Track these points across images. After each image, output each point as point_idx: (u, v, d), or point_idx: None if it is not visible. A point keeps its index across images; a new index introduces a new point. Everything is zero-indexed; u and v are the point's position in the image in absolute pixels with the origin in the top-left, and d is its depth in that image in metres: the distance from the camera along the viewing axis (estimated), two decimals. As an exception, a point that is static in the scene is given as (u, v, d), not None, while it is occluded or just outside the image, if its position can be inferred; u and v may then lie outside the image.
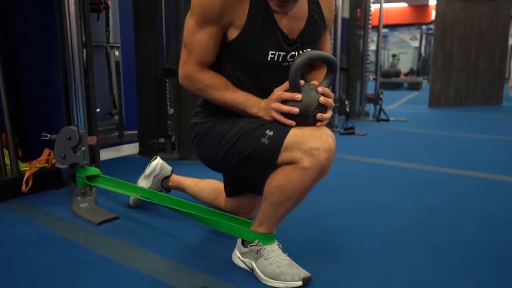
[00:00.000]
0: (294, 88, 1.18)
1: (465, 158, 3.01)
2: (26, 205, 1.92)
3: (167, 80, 2.79)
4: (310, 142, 1.14)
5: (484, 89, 6.82)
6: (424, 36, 15.42)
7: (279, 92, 1.20)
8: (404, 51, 15.78)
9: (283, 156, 1.17)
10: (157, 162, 1.89)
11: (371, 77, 7.30)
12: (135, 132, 3.02)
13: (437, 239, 1.57)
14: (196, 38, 1.22)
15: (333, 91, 4.35)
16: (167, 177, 1.88)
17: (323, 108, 1.19)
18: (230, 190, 1.63)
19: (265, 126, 1.21)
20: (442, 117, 5.67)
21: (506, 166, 2.76)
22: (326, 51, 1.41)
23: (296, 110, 1.17)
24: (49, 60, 2.36)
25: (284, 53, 1.24)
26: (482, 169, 2.65)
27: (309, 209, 1.89)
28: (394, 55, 14.02)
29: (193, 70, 1.26)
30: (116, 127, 3.00)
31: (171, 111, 2.81)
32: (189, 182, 1.83)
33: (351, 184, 2.33)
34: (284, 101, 1.19)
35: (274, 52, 1.23)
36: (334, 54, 4.36)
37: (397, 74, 12.51)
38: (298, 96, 1.17)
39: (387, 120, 5.01)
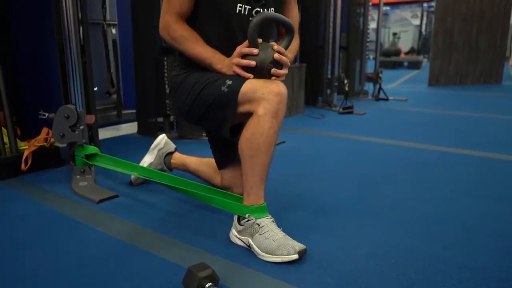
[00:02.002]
0: (252, 44, 1.32)
1: (463, 137, 3.01)
2: (26, 183, 1.93)
3: (165, 58, 2.77)
4: (262, 89, 1.28)
5: (485, 68, 6.78)
6: (425, 14, 15.22)
7: (240, 48, 1.34)
8: (405, 29, 15.59)
9: (242, 107, 1.31)
10: (163, 136, 1.95)
11: (371, 56, 7.25)
12: (134, 111, 3.02)
13: (432, 215, 1.59)
14: None
15: (332, 69, 4.35)
16: (171, 153, 1.91)
17: (278, 64, 1.33)
18: (219, 161, 1.70)
19: (225, 77, 1.36)
20: (442, 96, 5.66)
21: (503, 145, 2.77)
22: (292, 16, 1.54)
23: (253, 63, 1.31)
24: (45, 37, 2.34)
25: (250, 7, 1.39)
26: (480, 147, 2.66)
27: (305, 187, 1.91)
28: (394, 34, 13.85)
29: (171, 20, 1.42)
30: (114, 106, 3.00)
31: (169, 90, 2.80)
32: (192, 159, 1.88)
33: (347, 162, 2.34)
34: (244, 57, 1.33)
35: (241, 5, 1.38)
36: (334, 32, 4.32)
37: (397, 53, 12.40)
38: (255, 50, 1.31)
39: (386, 99, 5.00)
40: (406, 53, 14.09)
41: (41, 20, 2.32)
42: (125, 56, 3.02)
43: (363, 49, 5.13)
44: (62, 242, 1.38)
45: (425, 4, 15.37)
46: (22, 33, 2.34)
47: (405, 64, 11.88)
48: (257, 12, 1.40)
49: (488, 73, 6.80)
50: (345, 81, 4.22)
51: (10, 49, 2.31)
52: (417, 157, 2.46)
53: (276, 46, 1.33)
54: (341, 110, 4.09)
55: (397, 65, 11.65)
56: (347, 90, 4.22)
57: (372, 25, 5.75)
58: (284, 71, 1.35)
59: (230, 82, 1.33)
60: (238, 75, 1.34)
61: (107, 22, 2.83)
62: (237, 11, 1.38)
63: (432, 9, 13.94)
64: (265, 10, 1.41)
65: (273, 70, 1.32)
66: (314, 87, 4.35)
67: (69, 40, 1.93)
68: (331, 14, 4.24)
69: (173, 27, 1.42)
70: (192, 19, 1.44)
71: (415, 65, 11.39)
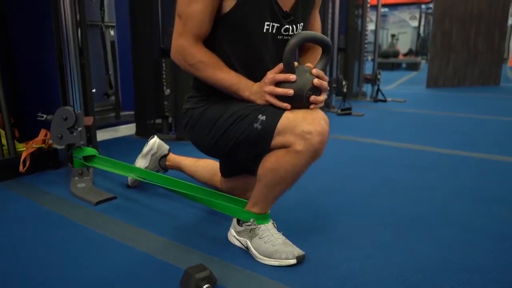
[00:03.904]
0: (288, 69, 1.15)
1: (461, 138, 3.02)
2: (24, 184, 1.93)
3: (163, 60, 2.77)
4: (303, 126, 1.12)
5: (483, 69, 6.79)
6: (423, 15, 15.26)
7: (273, 74, 1.18)
8: (403, 31, 15.62)
9: (276, 140, 1.16)
10: (155, 140, 1.90)
11: (369, 58, 7.26)
12: (132, 112, 3.02)
13: (431, 216, 1.59)
14: (192, 8, 1.18)
15: (330, 71, 4.35)
16: (165, 156, 1.89)
17: (317, 90, 1.17)
18: (225, 172, 1.63)
19: (257, 110, 1.19)
20: (440, 97, 5.67)
21: (502, 146, 2.77)
22: (317, 29, 1.42)
23: (290, 92, 1.14)
24: (44, 39, 2.34)
25: (279, 25, 1.23)
26: (478, 149, 2.66)
27: (304, 189, 1.91)
28: (393, 35, 13.89)
29: (187, 44, 1.22)
30: (112, 107, 2.99)
31: (167, 91, 2.80)
32: (187, 161, 1.85)
33: (346, 164, 2.34)
34: (277, 84, 1.17)
35: (269, 23, 1.21)
36: (332, 34, 4.32)
37: (396, 54, 12.43)
38: (293, 77, 1.15)
39: (385, 101, 5.01)
40: (405, 55, 14.13)
41: (40, 22, 2.32)
42: (123, 58, 3.02)
43: (361, 51, 5.14)
44: (60, 244, 1.37)
45: (423, 6, 15.41)
46: (21, 35, 2.34)
47: (404, 65, 11.90)
48: (286, 29, 1.25)
49: (487, 74, 6.82)
50: (343, 83, 4.22)
51: (8, 51, 2.31)
52: (416, 158, 2.46)
53: (314, 70, 1.17)
54: (339, 111, 4.10)
55: (396, 66, 11.67)
56: (345, 91, 4.23)
57: (371, 26, 5.76)
58: (323, 97, 1.20)
59: (263, 118, 1.17)
60: (270, 104, 1.18)
61: (105, 23, 2.83)
62: (265, 30, 1.22)
63: (430, 10, 13.97)
64: (294, 26, 1.26)
65: (312, 98, 1.16)
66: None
67: (67, 42, 1.93)
68: (330, 16, 4.25)
69: (191, 52, 1.22)
70: (210, 40, 1.25)
71: (413, 67, 11.41)
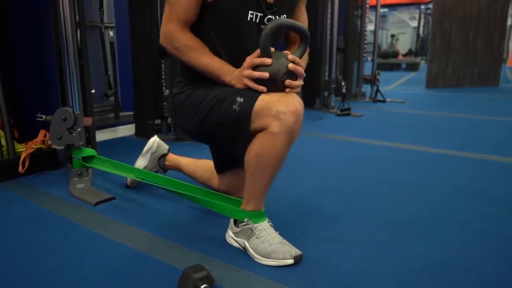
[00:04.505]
0: (265, 53, 1.21)
1: (461, 139, 3.03)
2: (23, 185, 1.94)
3: (163, 61, 2.78)
4: (277, 106, 1.17)
5: (482, 70, 6.80)
6: (423, 15, 15.25)
7: (251, 58, 1.24)
8: (403, 31, 15.62)
9: (255, 123, 1.22)
10: (154, 139, 1.92)
11: (368, 58, 7.27)
12: (131, 113, 3.03)
13: (429, 217, 1.60)
14: None
15: (329, 72, 4.36)
16: (164, 155, 1.90)
17: (292, 75, 1.22)
18: (219, 166, 1.66)
19: (236, 93, 1.25)
20: (439, 98, 5.67)
21: (501, 147, 2.78)
22: (303, 23, 1.46)
23: (266, 75, 1.20)
24: (44, 40, 2.34)
25: (262, 15, 1.30)
26: (477, 149, 2.67)
27: (302, 188, 1.92)
28: (393, 35, 13.90)
29: (174, 28, 1.30)
30: (112, 108, 3.00)
31: (166, 92, 2.81)
32: (186, 161, 1.86)
33: (345, 164, 2.35)
34: (255, 68, 1.23)
35: (253, 12, 1.29)
36: (331, 34, 4.33)
37: (396, 54, 12.43)
38: (268, 60, 1.21)
39: (384, 101, 5.01)
40: (404, 55, 14.12)
41: (39, 22, 2.33)
42: (122, 58, 3.03)
43: (360, 51, 5.14)
44: (60, 245, 1.38)
45: (422, 6, 15.41)
46: (21, 35, 2.35)
47: (403, 66, 11.90)
48: (269, 19, 1.31)
49: (486, 75, 6.82)
50: (343, 83, 4.23)
51: (8, 51, 2.32)
52: (415, 159, 2.47)
53: (290, 56, 1.23)
54: (338, 112, 4.11)
55: (395, 67, 11.67)
56: (345, 92, 4.23)
57: (370, 27, 5.77)
58: (299, 82, 1.25)
59: (241, 100, 1.23)
60: (249, 88, 1.24)
61: (104, 24, 2.83)
62: (248, 19, 1.29)
63: (429, 11, 13.97)
64: (278, 16, 1.33)
65: (288, 82, 1.22)
66: (312, 89, 4.36)
67: (67, 43, 1.94)
68: (329, 16, 4.26)
69: (177, 36, 1.30)
70: (197, 27, 1.33)
71: (413, 67, 11.42)
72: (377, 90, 5.07)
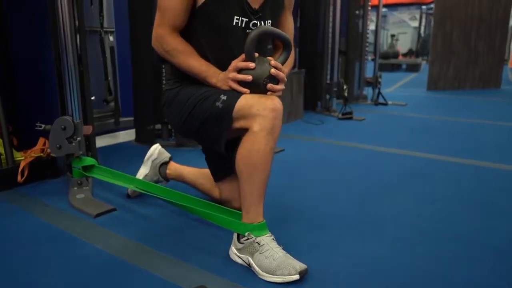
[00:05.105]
0: (249, 58, 1.30)
1: (464, 145, 3.00)
2: (22, 195, 1.90)
3: (163, 66, 2.74)
4: (258, 105, 1.26)
5: (483, 72, 6.76)
6: (424, 16, 15.21)
7: (236, 62, 1.32)
8: (403, 31, 15.59)
9: (237, 123, 1.29)
10: (156, 146, 1.91)
11: (369, 57, 7.23)
12: (131, 118, 2.99)
13: (433, 230, 1.57)
14: (170, 1, 1.35)
15: (331, 75, 4.32)
16: (165, 163, 1.87)
17: (274, 79, 1.31)
18: (215, 173, 1.68)
19: (220, 92, 1.33)
20: (441, 101, 5.64)
21: (505, 153, 2.75)
22: (289, 29, 1.55)
23: (249, 78, 1.29)
24: (42, 45, 2.31)
25: (247, 20, 1.38)
26: (481, 157, 2.64)
27: (304, 198, 1.89)
28: (393, 35, 13.86)
29: (164, 33, 1.38)
30: (111, 114, 2.96)
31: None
32: (188, 169, 1.84)
33: (347, 172, 2.32)
34: (239, 72, 1.31)
35: (238, 17, 1.37)
36: (333, 36, 4.29)
37: (396, 55, 12.38)
38: (252, 65, 1.30)
39: (386, 104, 4.98)
40: (404, 55, 14.07)
41: (38, 28, 2.29)
42: (122, 63, 2.99)
43: (362, 53, 5.10)
44: (58, 259, 1.35)
45: (423, 6, 15.38)
46: (19, 41, 2.31)
47: (404, 66, 11.86)
48: (254, 24, 1.39)
49: (487, 77, 6.79)
50: (345, 87, 4.19)
51: (6, 57, 2.28)
52: (417, 166, 2.44)
53: (273, 61, 1.32)
54: (340, 115, 4.07)
55: (396, 67, 11.63)
56: (347, 95, 4.20)
57: (370, 27, 5.72)
58: (280, 86, 1.33)
59: (224, 98, 1.31)
60: (233, 90, 1.33)
61: (104, 29, 2.80)
62: (234, 24, 1.37)
63: (430, 11, 13.94)
64: (262, 22, 1.41)
65: (269, 85, 1.30)
66: (313, 93, 4.33)
67: (66, 49, 1.90)
68: (331, 18, 4.22)
69: (167, 40, 1.38)
70: (186, 32, 1.41)
71: (414, 68, 11.37)
72: (379, 93, 5.04)
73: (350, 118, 4.02)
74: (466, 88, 6.77)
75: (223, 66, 1.37)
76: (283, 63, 1.36)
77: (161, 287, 1.19)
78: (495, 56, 6.70)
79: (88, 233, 1.54)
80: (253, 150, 1.26)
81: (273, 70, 1.30)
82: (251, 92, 1.31)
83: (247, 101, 1.28)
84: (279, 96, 1.34)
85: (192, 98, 1.39)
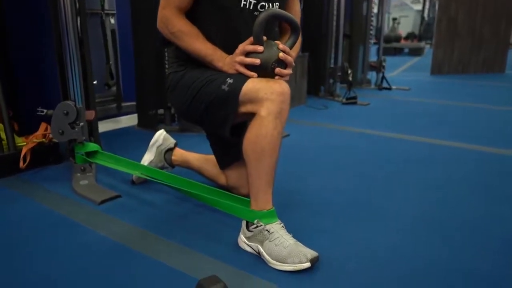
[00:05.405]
0: (257, 41, 1.26)
1: (470, 130, 2.96)
2: (24, 181, 1.87)
3: (166, 49, 2.68)
4: (265, 89, 1.22)
5: (488, 56, 6.67)
6: (427, -1, 14.96)
7: (243, 45, 1.29)
8: (404, 15, 15.37)
9: (244, 107, 1.26)
10: (161, 132, 1.88)
11: (371, 41, 7.12)
12: (134, 103, 2.95)
13: (441, 217, 1.54)
14: None
15: (335, 59, 4.25)
16: (171, 150, 1.84)
17: (282, 63, 1.29)
18: (221, 160, 1.65)
19: (227, 76, 1.30)
20: (445, 85, 5.58)
21: (508, 139, 2.71)
22: (296, 11, 1.53)
23: (257, 61, 1.26)
24: (43, 28, 2.25)
25: (255, 2, 1.34)
26: (487, 142, 2.61)
27: (310, 184, 1.86)
28: (394, 19, 13.65)
29: (170, 14, 1.35)
30: (113, 98, 2.92)
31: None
32: (194, 155, 1.81)
33: (353, 158, 2.29)
34: (247, 55, 1.28)
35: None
36: (337, 19, 4.21)
37: (398, 38, 12.22)
38: (260, 48, 1.26)
39: (390, 89, 4.92)
40: (406, 38, 13.88)
41: (38, 11, 2.22)
42: (124, 47, 2.93)
43: (366, 37, 5.01)
44: (62, 247, 1.32)
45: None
46: (18, 24, 2.25)
47: (406, 50, 11.73)
48: (262, 6, 1.35)
49: (492, 62, 6.71)
50: (349, 71, 4.12)
51: (5, 41, 2.22)
52: (424, 152, 2.41)
53: (281, 45, 1.29)
54: (344, 100, 4.02)
55: (398, 51, 11.50)
56: (351, 80, 4.13)
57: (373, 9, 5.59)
58: (288, 71, 1.31)
59: (231, 81, 1.28)
60: (240, 73, 1.29)
61: (105, 11, 2.73)
62: (241, 6, 1.33)
63: (434, -6, 13.70)
64: (270, 4, 1.37)
65: (277, 70, 1.28)
66: (316, 77, 4.27)
67: (67, 32, 1.84)
68: (335, 0, 4.13)
69: (172, 22, 1.35)
70: (192, 14, 1.38)
71: (417, 52, 11.24)
72: (383, 77, 4.97)
73: (355, 103, 3.97)
74: (470, 73, 6.69)
75: (229, 49, 1.34)
76: (291, 47, 1.33)
77: (166, 274, 1.17)
78: (500, 40, 6.61)
79: (92, 219, 1.51)
80: (260, 135, 1.23)
81: (281, 54, 1.27)
82: (258, 76, 1.28)
83: (254, 84, 1.25)
84: (286, 81, 1.30)
85: (197, 82, 1.35)
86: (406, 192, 1.80)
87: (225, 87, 1.28)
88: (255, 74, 1.28)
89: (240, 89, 1.25)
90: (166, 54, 2.69)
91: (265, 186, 1.28)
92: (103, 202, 1.64)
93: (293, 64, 1.32)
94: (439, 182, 1.91)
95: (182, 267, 1.20)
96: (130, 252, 1.29)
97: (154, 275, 1.17)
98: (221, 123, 1.33)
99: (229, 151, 1.60)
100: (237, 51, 1.30)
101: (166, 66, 2.71)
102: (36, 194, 1.74)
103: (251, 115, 1.26)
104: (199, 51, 1.35)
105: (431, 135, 2.78)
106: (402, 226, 1.48)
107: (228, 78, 1.29)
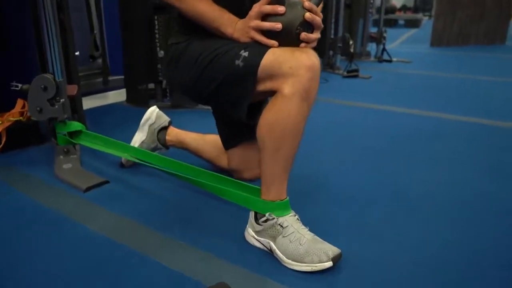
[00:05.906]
0: (277, 0, 1.01)
1: (471, 103, 2.83)
2: (2, 166, 1.67)
3: (156, 17, 2.45)
4: (291, 62, 0.99)
5: (489, 27, 6.49)
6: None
7: (259, 6, 1.04)
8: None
9: (263, 84, 1.04)
10: (153, 109, 1.67)
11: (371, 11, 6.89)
12: (121, 77, 2.73)
13: (467, 203, 1.39)
14: None
15: (335, 29, 4.03)
16: (164, 128, 1.65)
17: (308, 26, 1.03)
18: (226, 140, 1.48)
19: (240, 47, 1.07)
20: (446, 57, 5.41)
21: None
22: None
23: (278, 26, 1.01)
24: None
25: None
26: (489, 115, 2.48)
27: (319, 168, 1.69)
28: (387, -11, 13.34)
29: None
30: (99, 72, 2.70)
31: (161, 53, 2.50)
32: (191, 135, 1.62)
33: (356, 135, 2.13)
34: (264, 18, 1.04)
35: None
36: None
37: (393, 10, 11.99)
38: (281, 9, 1.01)
39: (390, 61, 4.73)
40: (399, 10, 13.63)
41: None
42: (110, 15, 2.68)
43: (366, 7, 4.78)
44: (42, 242, 1.14)
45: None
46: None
47: (401, 22, 11.52)
48: None
49: (493, 32, 6.53)
50: (350, 42, 3.91)
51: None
52: (432, 127, 2.27)
53: (307, 3, 1.03)
54: (345, 73, 3.83)
55: (393, 23, 11.29)
56: (352, 51, 3.92)
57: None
58: (316, 35, 1.05)
59: (246, 54, 1.04)
60: (256, 42, 1.06)
61: (87, -26, 2.49)
62: None
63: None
64: None
65: (303, 35, 1.02)
66: (314, 49, 4.05)
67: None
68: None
69: None
70: None
71: (413, 24, 11.02)
72: (384, 49, 4.77)
73: (356, 76, 3.78)
74: (470, 44, 6.52)
75: (239, 13, 1.11)
76: (318, 5, 1.06)
77: (161, 275, 1.00)
78: (502, 10, 6.41)
79: (77, 210, 1.33)
80: (281, 118, 1.02)
81: (308, 15, 1.01)
82: (280, 45, 1.03)
83: (276, 57, 1.01)
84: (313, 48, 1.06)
85: (204, 55, 1.13)
86: (417, 170, 1.64)
87: (239, 62, 1.05)
88: (276, 43, 1.04)
89: (259, 63, 1.02)
90: (156, 23, 2.46)
91: (281, 176, 1.09)
92: (88, 189, 1.46)
93: (322, 26, 1.06)
94: (439, 155, 1.77)
95: (178, 266, 1.03)
96: (119, 247, 1.11)
97: (148, 275, 1.00)
98: (236, 103, 1.12)
99: (238, 131, 1.41)
100: (252, 13, 1.05)
101: (157, 36, 2.48)
102: (15, 180, 1.54)
103: (271, 93, 1.05)
104: (204, 15, 1.12)
105: (435, 108, 2.66)
106: (423, 216, 1.32)
107: (242, 50, 1.05)
